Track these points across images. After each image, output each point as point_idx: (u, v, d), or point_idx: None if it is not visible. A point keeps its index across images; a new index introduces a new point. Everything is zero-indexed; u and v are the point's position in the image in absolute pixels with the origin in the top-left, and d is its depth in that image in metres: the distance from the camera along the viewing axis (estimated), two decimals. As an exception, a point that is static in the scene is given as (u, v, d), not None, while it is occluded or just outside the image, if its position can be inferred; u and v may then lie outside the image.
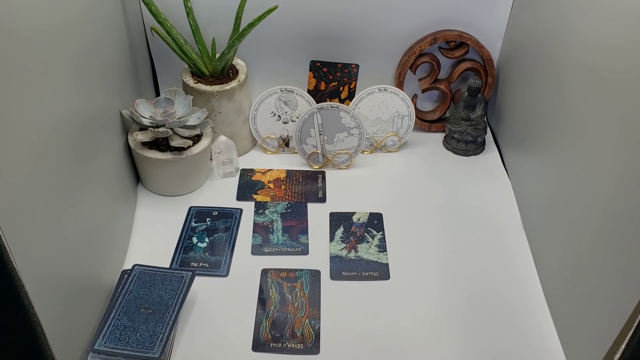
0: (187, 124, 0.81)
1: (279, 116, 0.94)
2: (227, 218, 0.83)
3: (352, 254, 0.78)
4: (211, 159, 0.89)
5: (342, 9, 0.90)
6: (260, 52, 0.94)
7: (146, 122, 0.79)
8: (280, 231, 0.82)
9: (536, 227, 0.79)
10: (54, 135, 0.56)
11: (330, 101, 0.97)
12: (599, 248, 0.61)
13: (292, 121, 0.94)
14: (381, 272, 0.76)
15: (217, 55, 0.85)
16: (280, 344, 0.67)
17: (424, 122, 1.00)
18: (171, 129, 0.80)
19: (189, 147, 0.81)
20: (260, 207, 0.85)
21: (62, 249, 0.57)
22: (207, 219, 0.83)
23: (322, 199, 0.87)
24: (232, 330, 0.69)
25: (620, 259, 0.56)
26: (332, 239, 0.81)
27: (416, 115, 0.96)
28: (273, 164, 0.93)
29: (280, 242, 0.80)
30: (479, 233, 0.82)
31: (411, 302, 0.72)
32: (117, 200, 0.76)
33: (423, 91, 0.99)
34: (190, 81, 0.86)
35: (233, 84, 0.87)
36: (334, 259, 0.78)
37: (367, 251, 0.79)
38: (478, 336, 0.68)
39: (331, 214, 0.85)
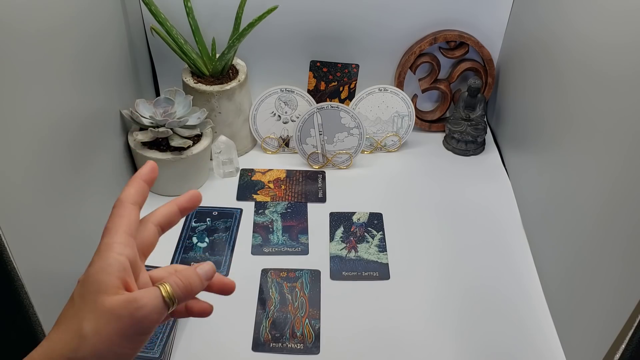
0: (187, 124, 0.81)
1: (279, 116, 0.94)
2: (227, 218, 0.83)
3: (352, 254, 0.78)
4: (211, 159, 0.89)
5: (342, 9, 0.90)
6: (260, 52, 0.94)
7: (146, 122, 0.79)
8: (280, 231, 0.82)
9: (536, 227, 0.79)
10: (53, 135, 0.56)
11: (330, 101, 0.97)
12: (599, 248, 0.61)
13: (292, 121, 0.94)
14: (381, 272, 0.76)
15: (217, 55, 0.85)
16: (280, 344, 0.67)
17: (424, 122, 1.00)
18: (171, 129, 0.80)
19: (189, 147, 0.81)
20: (260, 207, 0.85)
21: (62, 248, 0.57)
22: (207, 219, 0.83)
23: (322, 199, 0.87)
24: (232, 330, 0.69)
25: (620, 259, 0.56)
26: (332, 239, 0.81)
27: (416, 115, 0.96)
28: (273, 164, 0.93)
29: (280, 242, 0.80)
30: (479, 233, 0.82)
31: (411, 302, 0.72)
32: (117, 200, 0.76)
33: (423, 91, 0.99)
34: (190, 81, 0.86)
35: (233, 84, 0.87)
36: (334, 259, 0.78)
37: (367, 251, 0.79)
38: (478, 337, 0.68)
39: (331, 214, 0.84)
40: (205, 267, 0.43)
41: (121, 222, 0.41)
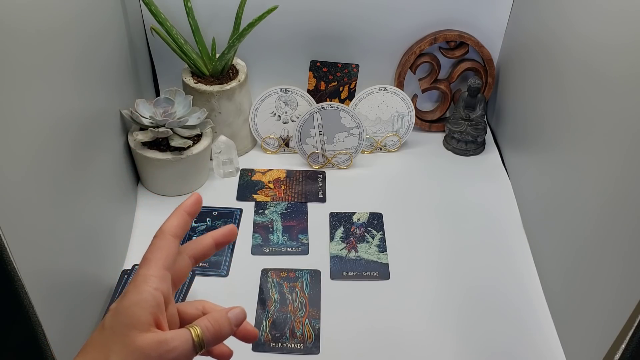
0: (187, 124, 0.81)
1: (279, 116, 0.94)
2: (227, 218, 0.83)
3: (352, 254, 0.78)
4: (211, 159, 0.89)
5: (342, 9, 0.90)
6: (260, 52, 0.94)
7: (146, 122, 0.79)
8: (280, 231, 0.82)
9: (536, 227, 0.79)
10: (53, 135, 0.56)
11: (330, 101, 0.97)
12: (599, 247, 0.61)
13: (292, 121, 0.94)
14: (381, 272, 0.76)
15: (217, 55, 0.85)
16: (280, 344, 0.67)
17: (424, 122, 1.00)
18: (171, 129, 0.80)
19: (189, 147, 0.81)
20: (260, 207, 0.85)
21: (62, 248, 0.57)
22: (207, 219, 0.83)
23: (322, 199, 0.87)
24: (232, 330, 0.68)
25: (620, 259, 0.56)
26: (332, 239, 0.81)
27: (416, 115, 0.96)
28: (273, 164, 0.93)
29: (280, 242, 0.80)
30: (479, 233, 0.82)
31: (411, 302, 0.72)
32: (117, 200, 0.76)
33: (423, 91, 0.99)
34: (190, 81, 0.86)
35: (233, 84, 0.87)
36: (334, 259, 0.78)
37: (367, 251, 0.79)
38: (478, 337, 0.68)
39: (331, 214, 0.84)
40: (236, 311, 0.43)
41: (160, 254, 0.42)
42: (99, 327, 0.39)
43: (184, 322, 0.44)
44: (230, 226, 0.47)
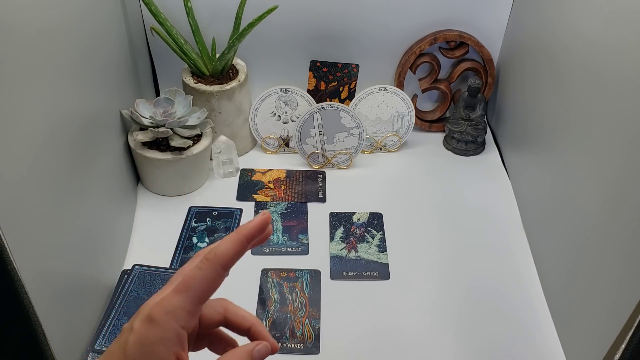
0: (187, 124, 0.81)
1: (279, 116, 0.94)
2: (227, 218, 0.83)
3: (352, 254, 0.78)
4: (211, 159, 0.89)
5: (342, 9, 0.90)
6: (260, 52, 0.94)
7: (146, 122, 0.79)
8: (280, 231, 0.82)
9: (536, 227, 0.79)
10: (53, 135, 0.56)
11: (330, 101, 0.97)
12: (599, 248, 0.61)
13: (292, 121, 0.94)
14: (381, 272, 0.76)
15: (217, 55, 0.85)
16: (280, 344, 0.67)
17: (424, 122, 1.00)
18: (171, 129, 0.80)
19: (189, 147, 0.81)
20: (260, 207, 0.85)
21: (62, 248, 0.57)
22: (207, 219, 0.83)
23: (322, 199, 0.87)
24: (232, 330, 0.68)
25: (620, 259, 0.56)
26: (332, 239, 0.81)
27: (416, 115, 0.96)
28: (273, 164, 0.93)
29: (280, 242, 0.80)
30: (479, 233, 0.82)
31: (411, 302, 0.72)
32: (117, 200, 0.76)
33: (423, 91, 0.99)
34: (190, 81, 0.86)
35: (233, 84, 0.87)
36: (334, 259, 0.78)
37: (367, 251, 0.79)
38: (479, 337, 0.68)
39: (331, 214, 0.84)
40: (261, 348, 0.42)
41: (202, 287, 0.39)
42: (121, 347, 0.38)
43: (204, 326, 0.44)
44: (266, 232, 0.43)
